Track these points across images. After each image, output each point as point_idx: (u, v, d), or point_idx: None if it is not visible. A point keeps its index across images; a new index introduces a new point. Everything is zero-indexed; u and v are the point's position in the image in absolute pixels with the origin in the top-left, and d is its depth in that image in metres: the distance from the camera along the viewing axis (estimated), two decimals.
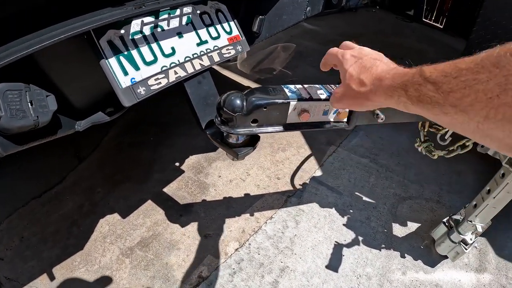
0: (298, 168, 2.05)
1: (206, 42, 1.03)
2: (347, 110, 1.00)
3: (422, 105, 0.46)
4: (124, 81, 0.82)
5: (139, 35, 0.87)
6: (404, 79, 0.49)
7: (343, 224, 1.76)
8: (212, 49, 1.05)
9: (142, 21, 0.88)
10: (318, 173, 2.05)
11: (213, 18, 1.08)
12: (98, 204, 1.76)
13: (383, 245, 1.67)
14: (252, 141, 1.01)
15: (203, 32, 1.03)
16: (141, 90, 0.84)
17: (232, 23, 1.14)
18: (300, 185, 1.97)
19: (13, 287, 1.38)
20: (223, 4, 1.13)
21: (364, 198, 1.91)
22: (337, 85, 1.08)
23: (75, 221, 1.67)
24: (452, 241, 1.47)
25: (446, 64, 0.43)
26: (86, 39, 0.80)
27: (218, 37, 1.08)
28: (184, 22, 0.99)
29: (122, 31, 0.84)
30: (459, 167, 2.11)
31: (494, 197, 1.23)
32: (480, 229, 1.37)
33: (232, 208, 1.80)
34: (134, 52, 0.85)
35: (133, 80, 0.84)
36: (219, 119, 0.90)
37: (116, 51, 0.82)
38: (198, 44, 1.01)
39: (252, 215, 1.78)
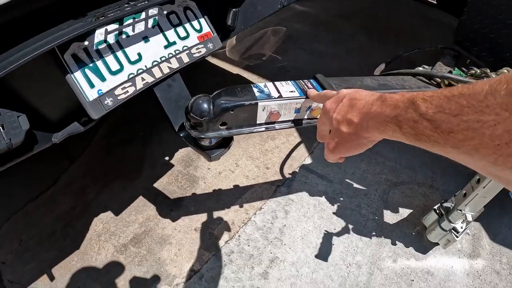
0: (287, 156, 2.05)
1: (174, 43, 1.01)
2: (320, 106, 0.99)
3: (420, 143, 0.41)
4: (91, 94, 0.81)
5: (104, 45, 0.85)
6: (396, 112, 0.43)
7: (333, 213, 1.77)
8: (181, 50, 1.02)
9: (106, 29, 0.86)
10: (308, 161, 2.05)
11: (181, 17, 1.05)
12: (91, 203, 1.79)
13: (373, 233, 1.69)
14: (225, 142, 1.01)
15: (170, 33, 1.01)
16: (108, 101, 0.83)
17: (202, 20, 1.11)
18: (289, 174, 1.97)
19: None
20: (192, 0, 1.09)
21: (355, 185, 1.91)
22: (310, 80, 1.06)
23: (70, 221, 1.70)
24: (443, 229, 1.48)
25: (442, 94, 0.37)
26: (50, 55, 0.78)
27: (187, 36, 1.05)
28: (150, 25, 0.96)
29: (86, 43, 0.83)
30: None
31: (484, 187, 1.22)
32: (470, 218, 1.37)
33: (221, 201, 1.82)
34: (100, 63, 0.84)
35: (100, 91, 0.83)
36: (188, 123, 0.90)
37: (81, 64, 0.81)
38: (165, 47, 0.99)
39: (241, 206, 1.79)
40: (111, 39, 0.87)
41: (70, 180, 1.90)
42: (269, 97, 0.91)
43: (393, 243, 1.66)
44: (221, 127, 0.90)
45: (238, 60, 2.82)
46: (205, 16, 1.11)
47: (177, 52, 1.01)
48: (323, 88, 0.97)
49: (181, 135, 0.98)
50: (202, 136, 0.88)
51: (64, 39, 0.74)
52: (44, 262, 1.55)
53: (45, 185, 1.87)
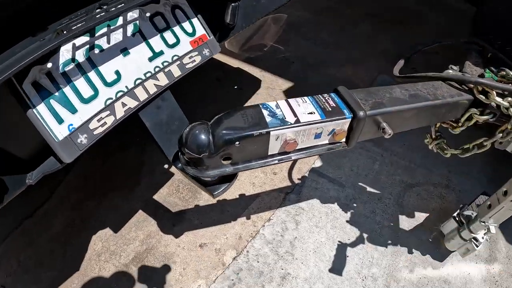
0: (295, 160, 1.91)
1: (161, 53, 0.85)
2: (345, 128, 0.83)
3: None
4: (60, 131, 0.67)
5: (72, 65, 0.70)
6: None
7: (347, 221, 1.65)
8: (170, 60, 0.86)
9: (74, 44, 0.70)
10: (318, 163, 1.91)
11: (168, 19, 0.88)
12: (89, 218, 1.68)
13: (389, 241, 1.57)
14: (230, 175, 0.86)
15: (156, 41, 0.84)
16: (82, 138, 0.69)
17: (194, 20, 0.94)
18: (298, 179, 1.84)
19: None
20: None
21: (368, 189, 1.78)
22: (331, 95, 0.90)
23: (68, 240, 1.60)
24: (463, 239, 1.36)
25: None
26: (6, 85, 0.63)
27: (177, 43, 0.89)
28: (129, 33, 0.80)
29: (49, 65, 0.67)
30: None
31: (511, 201, 1.09)
32: (493, 231, 1.24)
33: (227, 212, 1.70)
34: (68, 90, 0.69)
35: (70, 127, 0.68)
36: (184, 158, 0.75)
37: (45, 95, 0.66)
38: (150, 59, 0.83)
39: (248, 218, 1.67)
40: (80, 56, 0.72)
41: (67, 193, 1.78)
42: (283, 122, 0.74)
43: (410, 252, 1.55)
44: (224, 162, 0.75)
45: (238, 52, 2.65)
46: (199, 15, 0.94)
47: (165, 64, 0.85)
48: (347, 104, 0.81)
49: (177, 166, 0.83)
50: (201, 176, 0.73)
51: (20, 65, 0.59)
52: (45, 284, 1.47)
53: (41, 199, 1.76)
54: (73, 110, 0.69)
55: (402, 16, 2.97)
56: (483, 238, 1.35)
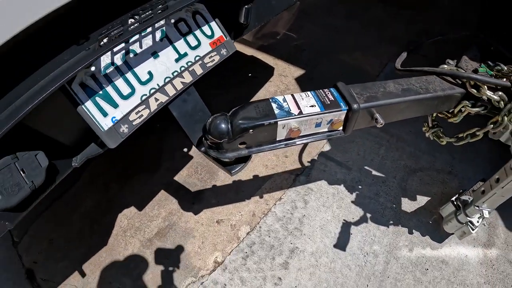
0: (306, 143, 2.03)
1: (185, 55, 0.98)
2: (342, 119, 0.96)
3: None
4: (105, 123, 0.82)
5: (111, 68, 0.84)
6: None
7: (352, 202, 1.77)
8: (193, 61, 0.99)
9: (112, 50, 0.84)
10: (327, 147, 2.02)
11: (190, 24, 1.00)
12: (114, 199, 1.86)
13: (391, 222, 1.69)
14: (245, 157, 1.00)
15: (180, 44, 0.97)
16: (124, 128, 0.84)
17: (213, 24, 1.06)
18: (308, 162, 1.96)
19: (50, 287, 1.55)
20: (200, 3, 1.04)
21: (374, 173, 1.89)
22: (330, 89, 1.01)
23: (96, 219, 1.78)
24: (460, 222, 1.47)
25: None
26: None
27: (199, 45, 1.02)
28: (158, 38, 0.93)
29: (93, 68, 0.81)
30: None
31: (503, 187, 1.18)
32: (487, 215, 1.35)
33: (242, 192, 1.85)
34: (110, 89, 0.83)
35: (114, 119, 0.83)
36: (207, 143, 0.89)
37: (91, 93, 0.80)
38: (177, 60, 0.96)
39: (261, 197, 1.82)
40: (118, 60, 0.86)
41: (93, 176, 1.96)
42: (289, 114, 0.88)
43: (410, 232, 1.66)
44: (240, 146, 0.89)
45: (251, 41, 2.73)
46: (216, 19, 1.06)
47: (189, 64, 0.98)
48: (344, 98, 0.93)
49: (201, 150, 0.98)
50: (222, 157, 0.88)
51: (74, 72, 0.73)
52: (75, 260, 1.64)
53: (69, 182, 1.94)
54: (115, 105, 0.83)
55: (414, 0, 2.96)
56: (478, 222, 1.45)
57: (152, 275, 1.57)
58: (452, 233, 1.60)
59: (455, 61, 1.19)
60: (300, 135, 0.93)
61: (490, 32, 1.44)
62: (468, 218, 1.44)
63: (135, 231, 1.73)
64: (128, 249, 1.67)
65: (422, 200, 1.78)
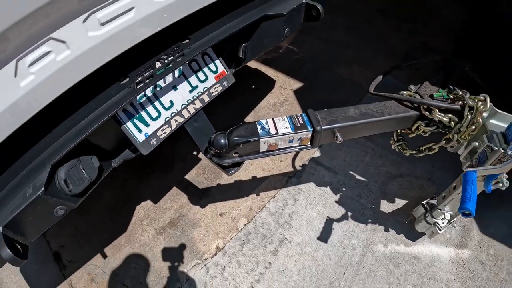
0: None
1: (196, 87, 1.29)
2: (309, 137, 1.26)
3: None
4: (140, 137, 1.13)
5: (144, 98, 1.16)
6: None
7: (335, 201, 2.06)
8: (202, 91, 1.30)
9: (144, 85, 1.15)
10: (317, 154, 2.31)
11: (200, 63, 1.31)
12: (132, 193, 2.17)
13: (369, 220, 1.97)
14: (239, 162, 1.31)
15: (193, 79, 1.28)
16: (153, 141, 1.15)
17: (217, 62, 1.36)
18: (300, 166, 2.26)
19: (76, 268, 1.87)
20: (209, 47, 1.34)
21: (357, 177, 2.17)
22: (302, 114, 1.31)
23: (116, 209, 2.10)
24: (428, 222, 1.68)
25: None
26: None
27: (206, 79, 1.32)
28: (177, 75, 1.24)
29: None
30: None
31: (458, 193, 1.42)
32: (448, 217, 1.58)
33: (242, 190, 2.16)
34: (143, 113, 1.15)
35: (146, 134, 1.15)
36: (211, 152, 1.21)
37: (130, 116, 1.12)
38: (190, 91, 1.27)
39: (258, 195, 2.13)
40: (149, 93, 1.17)
41: (113, 175, 2.27)
42: (268, 133, 1.19)
43: (386, 230, 1.93)
44: (234, 155, 1.21)
45: None
46: (220, 58, 1.37)
47: (199, 94, 1.29)
48: (311, 121, 1.23)
49: (207, 156, 1.29)
50: (221, 163, 1.19)
51: (121, 106, 1.04)
52: (97, 244, 1.91)
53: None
54: (147, 125, 1.14)
55: (414, 12, 3.14)
56: (443, 223, 1.65)
57: (164, 257, 1.90)
58: (424, 233, 1.81)
59: (417, 86, 1.42)
60: (278, 148, 1.24)
61: (464, 60, 1.68)
62: (434, 219, 1.66)
63: (151, 220, 2.05)
64: (144, 235, 1.99)
65: (400, 202, 2.03)
